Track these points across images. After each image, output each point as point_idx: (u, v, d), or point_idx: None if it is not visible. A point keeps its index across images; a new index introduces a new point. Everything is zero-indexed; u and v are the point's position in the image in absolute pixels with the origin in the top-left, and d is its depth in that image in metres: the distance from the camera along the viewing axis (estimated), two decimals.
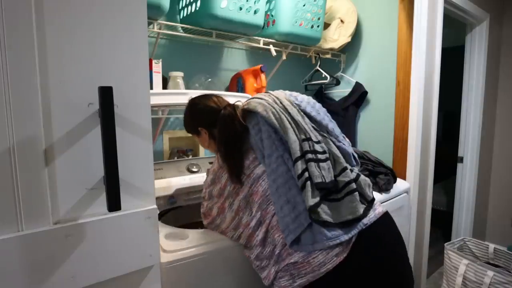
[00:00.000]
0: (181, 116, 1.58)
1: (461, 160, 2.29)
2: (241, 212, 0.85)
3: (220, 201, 0.89)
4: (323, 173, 0.78)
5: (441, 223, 2.62)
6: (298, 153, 0.79)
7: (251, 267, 0.86)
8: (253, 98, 0.93)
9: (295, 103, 0.89)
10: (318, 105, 0.93)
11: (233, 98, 1.36)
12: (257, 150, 0.86)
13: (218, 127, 0.90)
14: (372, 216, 0.80)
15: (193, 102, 1.01)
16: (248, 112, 0.90)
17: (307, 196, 0.76)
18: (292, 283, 0.76)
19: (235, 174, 0.85)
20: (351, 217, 0.77)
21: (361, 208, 0.79)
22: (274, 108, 0.86)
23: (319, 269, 0.74)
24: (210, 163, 1.35)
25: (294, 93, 0.94)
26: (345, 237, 0.75)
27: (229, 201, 0.87)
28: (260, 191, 0.83)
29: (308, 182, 0.77)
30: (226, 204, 0.88)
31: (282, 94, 0.92)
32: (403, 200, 1.45)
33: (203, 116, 0.97)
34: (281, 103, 0.88)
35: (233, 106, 0.93)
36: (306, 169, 0.78)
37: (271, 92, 0.94)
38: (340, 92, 2.02)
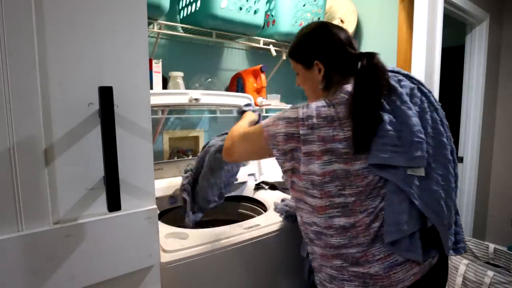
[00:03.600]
0: (181, 116, 1.59)
1: (461, 160, 2.29)
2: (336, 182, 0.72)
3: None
4: None
5: None
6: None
7: (251, 267, 0.86)
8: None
9: None
10: None
11: (233, 98, 1.37)
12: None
13: (368, 75, 0.73)
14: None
15: (326, 26, 0.82)
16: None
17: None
18: None
19: (365, 138, 0.71)
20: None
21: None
22: None
23: (396, 285, 0.71)
24: None
25: None
26: (435, 260, 0.75)
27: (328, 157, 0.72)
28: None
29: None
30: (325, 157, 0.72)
31: None
32: None
33: (333, 49, 0.80)
34: None
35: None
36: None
37: None
38: None
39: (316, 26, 0.84)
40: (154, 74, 1.27)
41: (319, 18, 1.67)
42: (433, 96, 0.80)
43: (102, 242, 0.64)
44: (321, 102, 0.75)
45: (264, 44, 1.63)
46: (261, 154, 0.84)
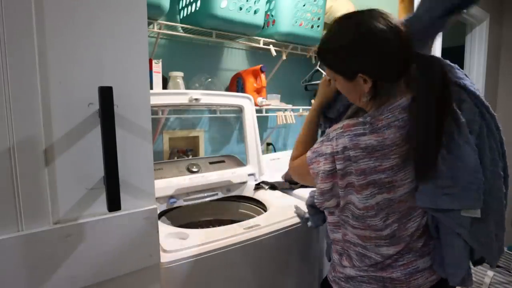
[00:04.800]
0: (181, 116, 1.59)
1: None
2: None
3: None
4: None
5: None
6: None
7: (251, 267, 0.86)
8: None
9: None
10: None
11: (233, 98, 1.37)
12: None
13: (420, 91, 0.62)
14: None
15: (370, 30, 0.63)
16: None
17: None
18: None
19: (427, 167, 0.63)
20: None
21: None
22: None
23: None
24: (210, 163, 1.35)
25: None
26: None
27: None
28: None
29: None
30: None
31: None
32: None
33: (382, 60, 0.64)
34: None
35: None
36: None
37: None
38: None
39: (358, 29, 0.65)
40: (154, 74, 1.27)
41: (319, 19, 1.67)
42: (494, 121, 0.69)
43: (102, 242, 0.64)
44: (359, 129, 0.64)
45: (264, 44, 1.63)
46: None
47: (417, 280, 0.71)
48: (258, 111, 1.54)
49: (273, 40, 1.62)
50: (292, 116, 1.74)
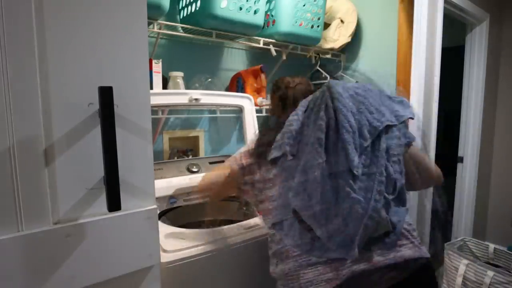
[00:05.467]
0: (181, 116, 1.59)
1: (461, 160, 2.29)
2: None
3: None
4: None
5: (441, 223, 2.62)
6: None
7: (251, 267, 0.86)
8: None
9: None
10: None
11: (233, 98, 1.37)
12: None
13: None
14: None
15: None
16: None
17: None
18: None
19: None
20: None
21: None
22: None
23: None
24: (210, 163, 1.35)
25: None
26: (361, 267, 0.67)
27: None
28: None
29: None
30: None
31: None
32: None
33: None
34: None
35: None
36: None
37: None
38: None
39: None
40: (154, 74, 1.27)
41: (319, 18, 1.67)
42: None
43: (102, 242, 0.64)
44: None
45: (264, 44, 1.63)
46: None
47: (307, 275, 0.69)
48: (258, 111, 1.54)
49: (273, 40, 1.62)
50: None
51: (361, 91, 0.78)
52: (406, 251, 0.71)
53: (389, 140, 0.73)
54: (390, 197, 0.71)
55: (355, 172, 0.68)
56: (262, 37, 1.61)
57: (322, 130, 0.72)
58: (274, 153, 0.79)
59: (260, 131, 0.95)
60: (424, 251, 0.74)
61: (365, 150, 0.71)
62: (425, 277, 0.74)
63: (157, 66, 1.27)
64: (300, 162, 0.74)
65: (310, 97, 0.83)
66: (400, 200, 0.73)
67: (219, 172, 0.94)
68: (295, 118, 0.79)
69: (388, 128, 0.74)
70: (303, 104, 0.83)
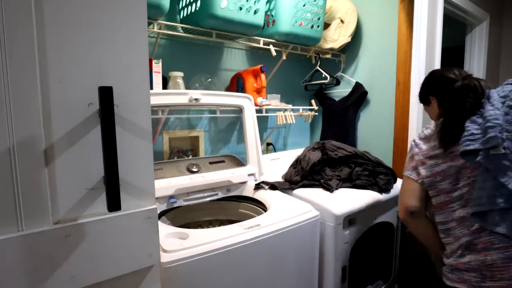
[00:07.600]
0: (181, 116, 1.59)
1: None
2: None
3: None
4: None
5: None
6: None
7: (251, 267, 0.86)
8: None
9: None
10: None
11: (233, 98, 1.37)
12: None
13: (447, 98, 0.91)
14: None
15: (432, 72, 1.04)
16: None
17: None
18: (480, 282, 0.74)
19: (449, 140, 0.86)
20: None
21: None
22: None
23: None
24: (210, 163, 1.35)
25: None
26: None
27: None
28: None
29: None
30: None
31: None
32: None
33: (436, 85, 0.99)
34: None
35: (476, 80, 0.94)
36: None
37: None
38: (340, 92, 2.02)
39: (428, 74, 1.04)
40: (154, 74, 1.27)
41: (319, 18, 1.67)
42: None
43: (102, 242, 0.64)
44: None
45: (264, 44, 1.63)
46: None
47: None
48: (258, 111, 1.54)
49: (273, 40, 1.62)
50: (292, 116, 1.74)
51: None
52: None
53: None
54: None
55: None
56: (262, 37, 1.61)
57: None
58: (471, 146, 0.80)
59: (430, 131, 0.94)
60: None
61: None
62: None
63: (157, 66, 1.28)
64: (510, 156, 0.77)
65: (499, 89, 0.95)
66: None
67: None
68: (497, 113, 0.84)
69: None
70: (495, 97, 0.89)
